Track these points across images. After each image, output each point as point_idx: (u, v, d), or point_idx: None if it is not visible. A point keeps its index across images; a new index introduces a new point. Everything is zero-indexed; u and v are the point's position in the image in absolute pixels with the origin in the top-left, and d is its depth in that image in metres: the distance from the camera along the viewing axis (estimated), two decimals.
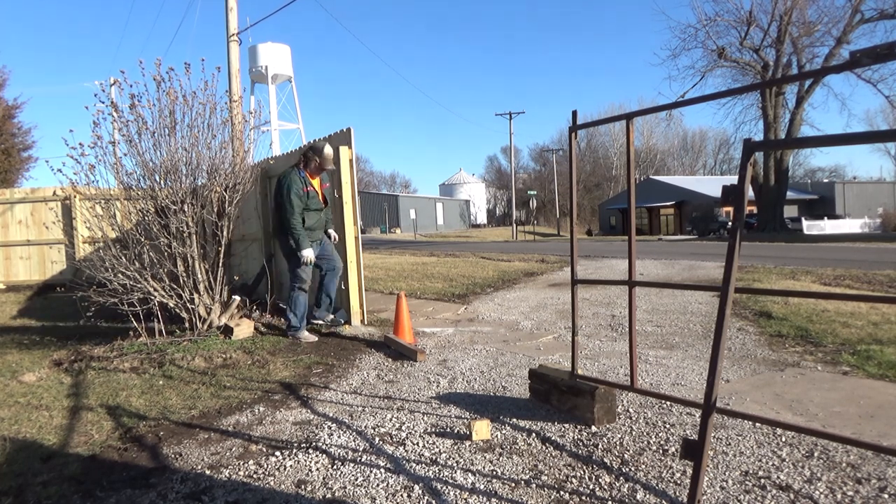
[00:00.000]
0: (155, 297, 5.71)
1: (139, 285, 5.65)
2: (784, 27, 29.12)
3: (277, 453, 2.97)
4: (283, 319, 6.77)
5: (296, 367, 4.77)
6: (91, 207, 6.03)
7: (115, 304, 5.67)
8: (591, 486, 2.52)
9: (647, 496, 2.41)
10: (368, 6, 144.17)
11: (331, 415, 3.56)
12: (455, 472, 2.69)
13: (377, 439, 3.13)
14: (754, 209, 33.12)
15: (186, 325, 5.92)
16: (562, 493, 2.47)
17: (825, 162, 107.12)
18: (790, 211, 40.53)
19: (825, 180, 56.81)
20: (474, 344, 5.43)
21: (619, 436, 3.05)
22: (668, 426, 3.16)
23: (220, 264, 6.08)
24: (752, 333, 5.43)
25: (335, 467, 2.79)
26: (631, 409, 3.43)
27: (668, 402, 3.48)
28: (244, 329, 5.87)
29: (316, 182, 5.79)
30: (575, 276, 3.28)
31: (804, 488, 2.42)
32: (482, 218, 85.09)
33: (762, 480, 2.50)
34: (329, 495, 2.52)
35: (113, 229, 6.01)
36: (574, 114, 3.33)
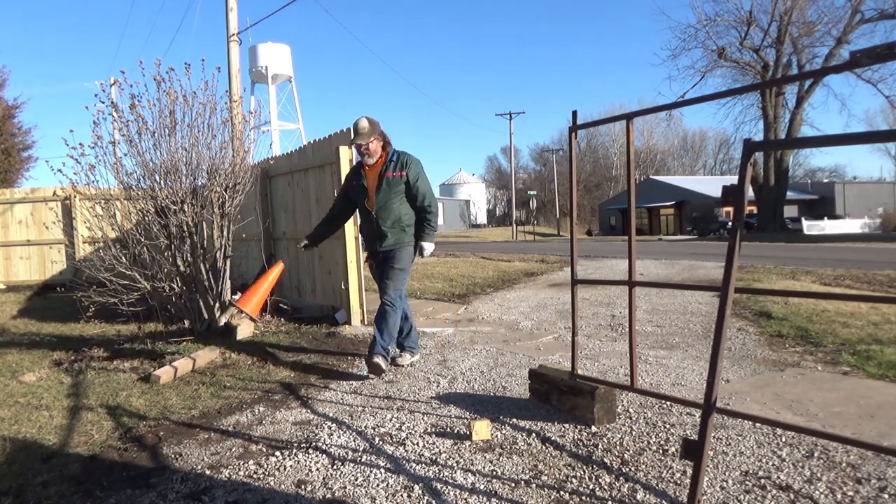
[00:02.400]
0: (155, 297, 5.71)
1: (139, 285, 5.65)
2: (784, 27, 29.13)
3: (277, 453, 2.97)
4: (282, 319, 6.77)
5: (296, 367, 4.77)
6: (91, 207, 6.03)
7: (115, 304, 5.67)
8: (591, 486, 2.52)
9: (647, 496, 2.41)
10: (368, 7, 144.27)
11: (331, 415, 3.56)
12: (455, 472, 2.69)
13: (377, 439, 3.13)
14: (754, 209, 33.11)
15: (186, 325, 5.92)
16: (562, 493, 2.47)
17: (825, 162, 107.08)
18: (790, 211, 40.50)
19: (825, 180, 56.77)
20: (474, 344, 5.43)
21: (619, 436, 3.05)
22: (668, 426, 3.16)
23: (220, 264, 6.08)
24: (752, 333, 5.43)
25: (335, 467, 2.79)
26: (631, 409, 3.43)
27: (668, 402, 3.48)
28: (244, 329, 5.87)
29: (373, 171, 4.48)
30: (575, 276, 3.28)
31: (804, 488, 2.42)
32: (482, 218, 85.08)
33: (762, 480, 2.50)
34: (329, 495, 2.52)
35: (113, 229, 6.01)
36: (574, 114, 3.33)
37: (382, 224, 4.37)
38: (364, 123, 4.33)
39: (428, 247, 4.54)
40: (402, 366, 4.61)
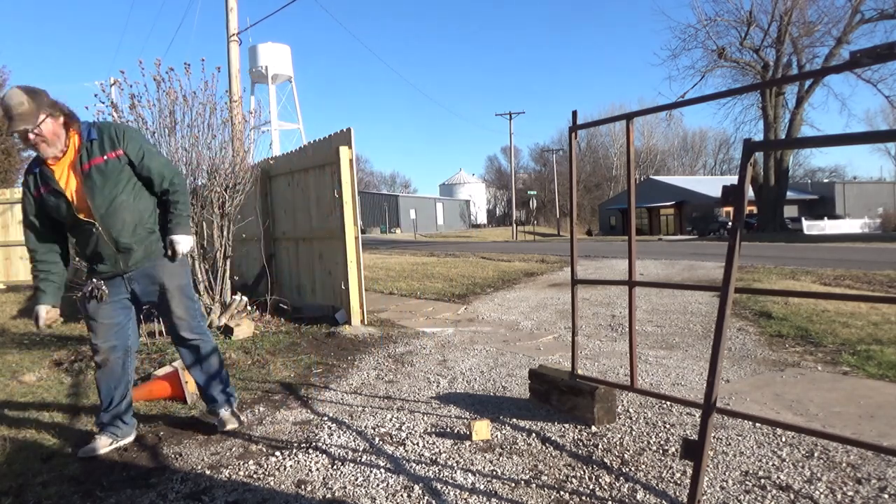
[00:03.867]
0: None
1: None
2: (784, 27, 29.14)
3: (277, 453, 2.97)
4: (282, 319, 6.77)
5: (296, 367, 4.77)
6: None
7: None
8: (591, 486, 2.52)
9: (647, 496, 2.41)
10: (368, 6, 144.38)
11: (331, 415, 3.56)
12: (455, 472, 2.69)
13: (377, 439, 3.13)
14: (754, 209, 33.12)
15: None
16: (562, 493, 2.47)
17: (825, 162, 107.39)
18: (790, 211, 40.51)
19: (825, 180, 56.79)
20: (474, 344, 5.43)
21: (619, 436, 3.05)
22: (668, 426, 3.16)
23: (220, 264, 6.08)
24: (752, 333, 5.43)
25: (335, 467, 2.79)
26: (631, 409, 3.43)
27: (668, 402, 3.48)
28: (244, 329, 5.87)
29: (63, 163, 2.92)
30: (575, 276, 3.28)
31: (804, 488, 2.42)
32: (482, 218, 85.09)
33: (762, 480, 2.50)
34: (329, 495, 2.52)
35: None
36: (574, 114, 3.34)
37: (119, 236, 2.96)
38: (21, 98, 2.72)
39: (182, 241, 3.07)
40: (229, 430, 3.25)
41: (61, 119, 2.85)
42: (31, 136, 2.75)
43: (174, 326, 3.18)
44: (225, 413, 3.27)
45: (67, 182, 2.90)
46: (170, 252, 3.07)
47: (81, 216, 2.92)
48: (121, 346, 3.12)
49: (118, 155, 2.93)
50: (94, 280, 3.05)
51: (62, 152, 2.89)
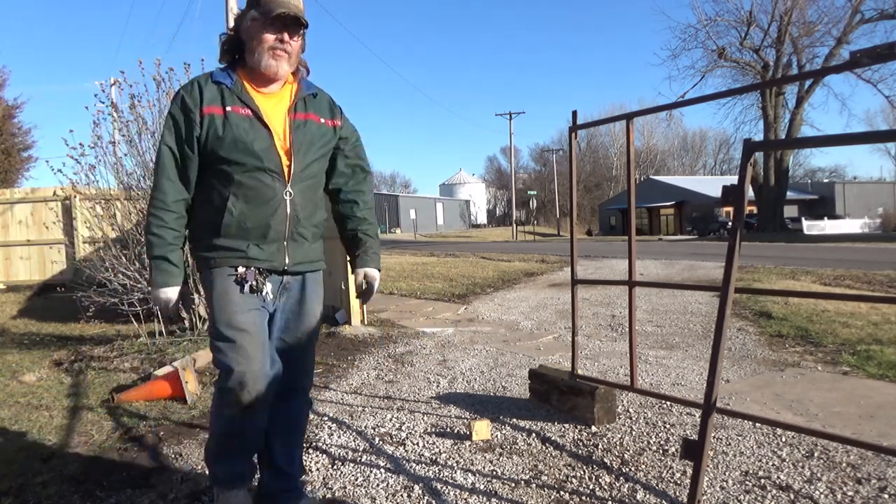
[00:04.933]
0: None
1: (139, 285, 5.65)
2: (784, 27, 29.16)
3: None
4: None
5: None
6: (91, 207, 6.03)
7: (115, 304, 5.67)
8: (591, 486, 2.52)
9: (647, 496, 2.41)
10: (368, 6, 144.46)
11: (331, 415, 3.56)
12: (455, 472, 2.69)
13: (377, 439, 3.13)
14: (754, 209, 33.12)
15: (186, 325, 5.92)
16: (562, 493, 2.47)
17: (825, 162, 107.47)
18: (790, 211, 40.52)
19: (825, 180, 56.82)
20: (474, 344, 5.43)
21: (619, 436, 3.05)
22: (668, 426, 3.16)
23: None
24: (752, 333, 5.43)
25: (335, 467, 2.79)
26: (631, 409, 3.43)
27: (668, 402, 3.48)
28: None
29: (271, 100, 2.13)
30: (575, 276, 3.28)
31: (804, 488, 2.42)
32: (482, 218, 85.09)
33: (762, 480, 2.50)
34: (329, 495, 2.52)
35: (113, 229, 6.01)
36: (574, 114, 3.34)
37: (301, 214, 2.15)
38: None
39: (378, 277, 2.42)
40: None
41: (302, 48, 2.17)
42: (287, 40, 2.06)
43: (300, 369, 2.28)
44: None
45: (276, 120, 2.12)
46: (364, 287, 2.34)
47: (282, 168, 2.08)
48: (272, 371, 2.12)
49: (335, 125, 2.26)
50: (243, 268, 2.08)
51: (279, 87, 2.17)
